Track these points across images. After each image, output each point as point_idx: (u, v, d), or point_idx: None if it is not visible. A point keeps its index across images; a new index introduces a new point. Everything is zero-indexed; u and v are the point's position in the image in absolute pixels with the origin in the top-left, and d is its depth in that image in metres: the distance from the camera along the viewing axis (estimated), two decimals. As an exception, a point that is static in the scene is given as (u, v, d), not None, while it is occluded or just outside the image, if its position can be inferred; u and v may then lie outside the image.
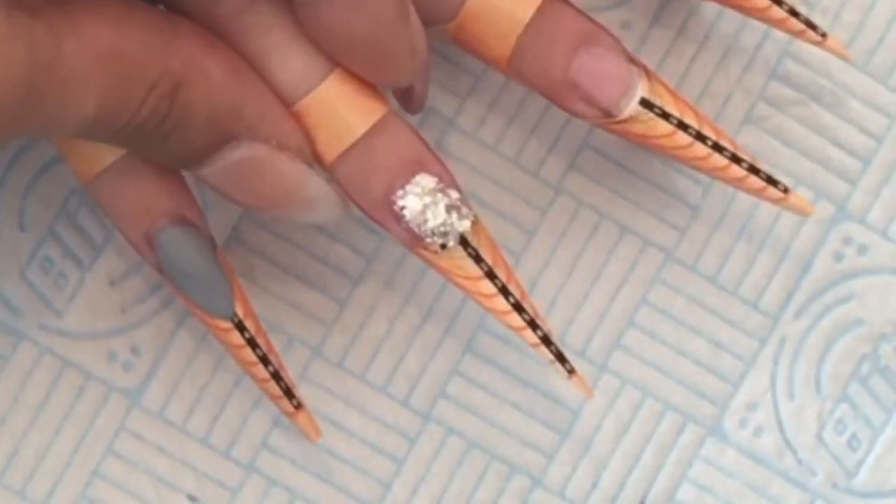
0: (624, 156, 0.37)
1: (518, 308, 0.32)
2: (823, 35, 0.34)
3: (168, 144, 0.30)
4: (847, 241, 0.37)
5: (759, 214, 0.37)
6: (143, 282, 0.36)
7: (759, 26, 0.37)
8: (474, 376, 0.37)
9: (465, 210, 0.32)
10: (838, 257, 0.37)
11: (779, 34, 0.37)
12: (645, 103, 0.32)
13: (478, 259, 0.32)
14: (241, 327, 0.33)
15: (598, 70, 0.32)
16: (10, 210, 0.36)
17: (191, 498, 0.36)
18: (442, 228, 0.31)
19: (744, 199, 0.37)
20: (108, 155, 0.32)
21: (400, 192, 0.31)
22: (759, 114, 0.37)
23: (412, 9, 0.30)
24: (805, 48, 0.37)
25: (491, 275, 0.32)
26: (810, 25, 0.34)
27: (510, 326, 0.33)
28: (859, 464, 0.37)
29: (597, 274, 0.37)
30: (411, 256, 0.36)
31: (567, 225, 0.37)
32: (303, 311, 0.36)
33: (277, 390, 0.33)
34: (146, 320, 0.36)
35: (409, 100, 0.32)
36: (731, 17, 0.37)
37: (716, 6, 0.37)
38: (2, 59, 0.26)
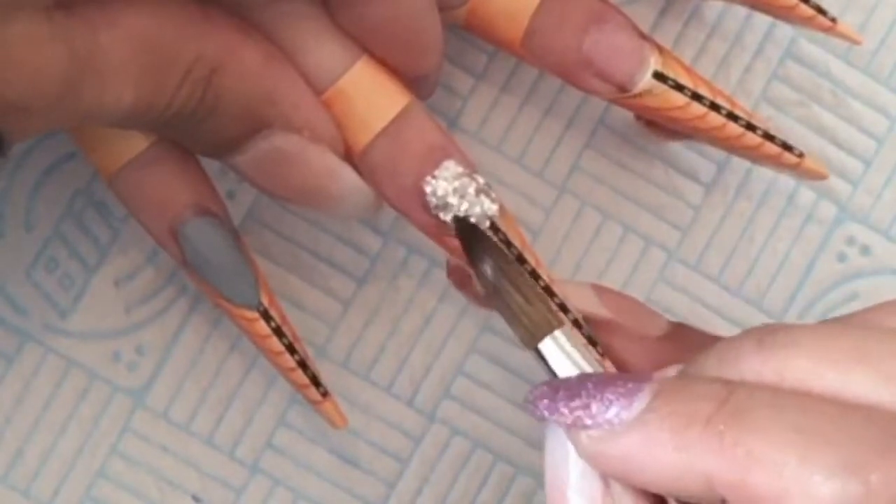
0: (627, 156, 0.37)
1: (549, 292, 0.32)
2: (833, 20, 0.34)
3: (203, 131, 0.30)
4: (850, 241, 0.38)
5: (762, 215, 0.37)
6: (147, 282, 0.36)
7: (761, 27, 0.37)
8: (479, 376, 0.37)
9: (493, 194, 0.32)
10: (841, 258, 0.38)
11: (780, 35, 0.37)
12: (658, 76, 0.33)
13: (507, 244, 0.32)
14: (266, 316, 0.33)
15: (610, 46, 0.32)
16: (16, 210, 0.36)
17: (195, 498, 0.36)
18: (472, 213, 0.31)
19: (745, 199, 0.37)
20: (130, 149, 0.32)
21: (429, 178, 0.31)
22: (760, 114, 0.37)
23: None
24: (806, 49, 0.37)
25: (521, 258, 0.32)
26: (820, 11, 0.34)
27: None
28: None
29: (600, 274, 0.37)
30: (415, 256, 0.37)
31: (571, 225, 0.37)
32: (307, 312, 0.37)
33: (304, 379, 0.33)
34: (151, 321, 0.36)
35: (422, 85, 0.33)
36: (734, 18, 0.37)
37: (718, 6, 0.37)
38: (45, 61, 0.26)
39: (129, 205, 0.33)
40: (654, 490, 0.26)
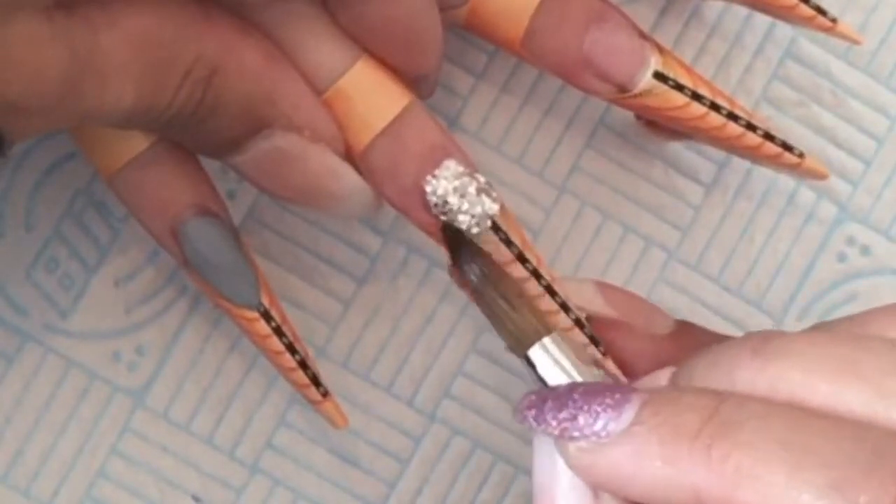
0: (627, 156, 0.37)
1: (551, 291, 0.32)
2: (833, 21, 0.34)
3: (203, 131, 0.30)
4: (850, 241, 0.37)
5: (762, 215, 0.37)
6: (147, 283, 0.36)
7: (761, 27, 0.37)
8: (479, 376, 0.37)
9: (494, 193, 0.32)
10: (841, 258, 0.38)
11: (781, 35, 0.37)
12: (658, 76, 0.33)
13: (508, 242, 0.32)
14: (267, 316, 0.33)
15: (610, 45, 0.32)
16: (16, 210, 0.36)
17: (195, 498, 0.36)
18: (473, 212, 0.31)
19: (745, 199, 0.37)
20: (130, 149, 0.32)
21: (430, 178, 0.31)
22: (760, 114, 0.37)
23: None
24: (806, 49, 0.37)
25: (521, 258, 0.32)
26: (820, 11, 0.34)
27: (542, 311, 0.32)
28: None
29: (601, 274, 0.37)
30: (416, 256, 0.37)
31: (571, 225, 0.37)
32: (307, 312, 0.37)
33: (304, 379, 0.33)
34: (151, 321, 0.36)
35: (422, 85, 0.33)
36: (734, 18, 0.37)
37: (718, 6, 0.37)
38: (45, 61, 0.26)
39: (129, 205, 0.33)
40: (644, 502, 0.26)
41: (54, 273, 0.36)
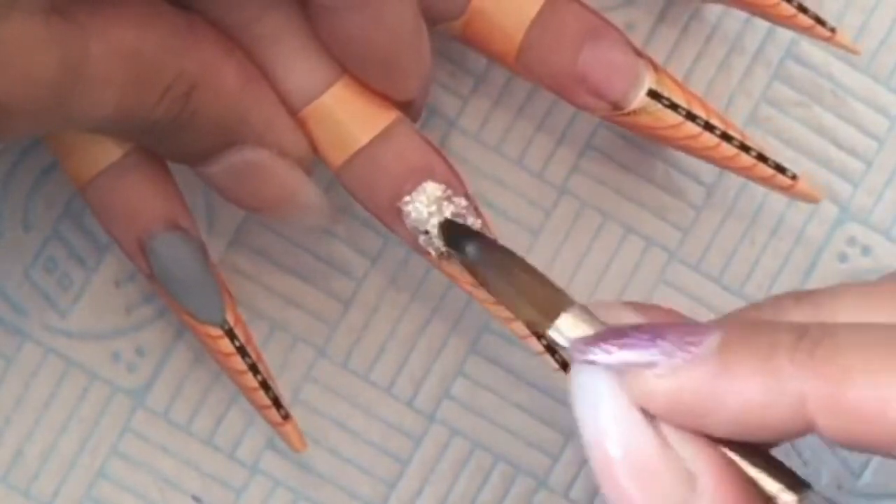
0: (627, 157, 0.37)
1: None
2: (832, 31, 0.34)
3: (177, 141, 0.30)
4: (851, 241, 0.37)
5: (762, 215, 0.37)
6: (147, 283, 0.36)
7: (761, 28, 0.37)
8: (479, 377, 0.37)
9: (471, 219, 0.32)
10: (842, 258, 0.38)
11: (781, 35, 0.37)
12: (652, 94, 0.32)
13: None
14: (231, 335, 0.33)
15: (605, 62, 0.32)
16: (15, 210, 0.36)
17: (195, 498, 0.36)
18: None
19: (747, 200, 0.37)
20: (102, 159, 0.32)
21: (406, 199, 0.31)
22: (761, 115, 0.37)
23: (422, 22, 0.31)
24: (807, 50, 0.37)
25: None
26: (819, 21, 0.34)
27: (516, 334, 0.33)
28: (864, 465, 0.37)
29: (601, 274, 0.37)
30: (416, 257, 0.37)
31: (571, 226, 0.37)
32: (307, 312, 0.36)
33: (266, 400, 0.33)
34: (151, 321, 0.36)
35: (406, 111, 0.32)
36: (734, 19, 0.37)
37: (719, 7, 0.37)
38: (38, 65, 0.26)
39: (99, 215, 0.33)
40: (729, 428, 0.25)
41: (53, 273, 0.36)
